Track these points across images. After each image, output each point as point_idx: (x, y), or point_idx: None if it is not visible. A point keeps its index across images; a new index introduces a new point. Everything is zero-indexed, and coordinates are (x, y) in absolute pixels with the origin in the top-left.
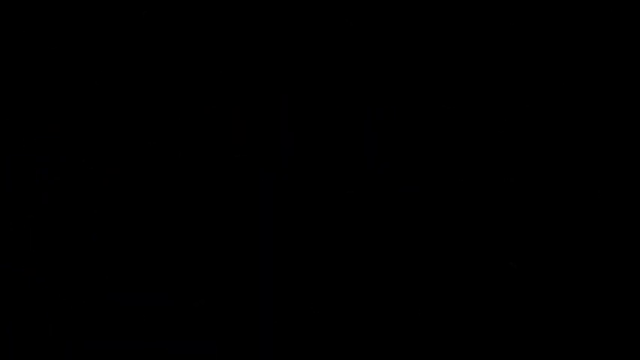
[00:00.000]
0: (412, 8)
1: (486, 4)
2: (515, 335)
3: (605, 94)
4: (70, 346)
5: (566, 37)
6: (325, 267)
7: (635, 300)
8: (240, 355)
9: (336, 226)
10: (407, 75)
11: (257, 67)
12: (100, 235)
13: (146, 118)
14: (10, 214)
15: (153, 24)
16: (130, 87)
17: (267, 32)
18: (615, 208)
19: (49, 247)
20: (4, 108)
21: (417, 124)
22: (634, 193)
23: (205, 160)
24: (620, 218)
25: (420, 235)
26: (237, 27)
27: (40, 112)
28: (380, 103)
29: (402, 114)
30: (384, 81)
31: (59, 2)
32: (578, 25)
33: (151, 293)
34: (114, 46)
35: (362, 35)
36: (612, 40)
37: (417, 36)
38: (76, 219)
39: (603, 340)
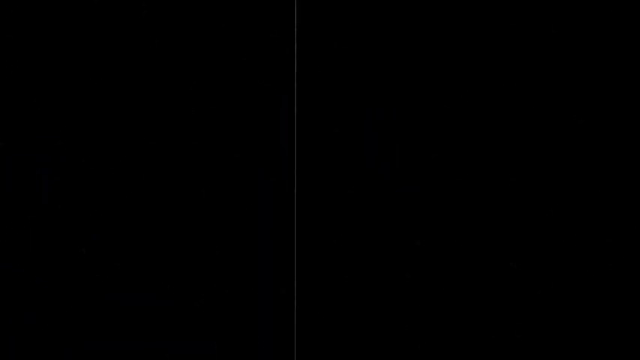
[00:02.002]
0: (412, 8)
1: (486, 4)
2: (515, 335)
3: (605, 94)
4: (70, 346)
5: (566, 36)
6: (325, 267)
7: (636, 300)
8: (240, 355)
9: (335, 226)
10: (407, 75)
11: (257, 67)
12: (100, 235)
13: (146, 118)
14: (10, 214)
15: (153, 24)
16: (129, 87)
17: (267, 32)
18: (615, 207)
19: (49, 247)
20: (4, 108)
21: (417, 124)
22: (634, 193)
23: (205, 160)
24: (621, 218)
25: (420, 235)
26: (237, 27)
27: (40, 112)
28: (380, 103)
29: (402, 114)
30: (384, 81)
31: (59, 2)
32: (577, 24)
33: (150, 293)
34: (114, 46)
35: (361, 35)
36: (612, 40)
37: (417, 36)
38: (76, 219)
39: (603, 340)
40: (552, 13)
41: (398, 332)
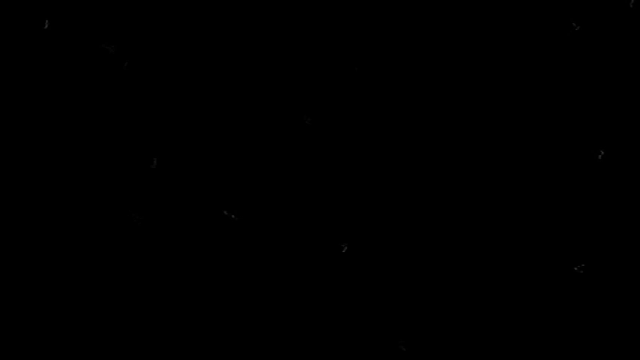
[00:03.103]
0: (411, 8)
1: (486, 4)
2: (515, 335)
3: (605, 94)
4: (70, 345)
5: (566, 37)
6: (325, 266)
7: (636, 300)
8: (243, 355)
9: (336, 226)
10: (406, 75)
11: (257, 66)
12: (100, 234)
13: (146, 118)
14: (10, 214)
15: (153, 24)
16: (129, 87)
17: (267, 32)
18: (615, 208)
19: (49, 247)
20: (4, 108)
21: (417, 124)
22: (634, 193)
23: (206, 160)
24: (621, 218)
25: (420, 235)
26: (237, 27)
27: (40, 112)
28: (380, 103)
29: (401, 114)
30: (384, 81)
31: (59, 2)
32: (577, 24)
33: (150, 293)
34: (114, 46)
35: (361, 35)
36: (612, 40)
37: (416, 36)
38: (77, 219)
39: (603, 340)
40: (552, 13)
41: (397, 331)
